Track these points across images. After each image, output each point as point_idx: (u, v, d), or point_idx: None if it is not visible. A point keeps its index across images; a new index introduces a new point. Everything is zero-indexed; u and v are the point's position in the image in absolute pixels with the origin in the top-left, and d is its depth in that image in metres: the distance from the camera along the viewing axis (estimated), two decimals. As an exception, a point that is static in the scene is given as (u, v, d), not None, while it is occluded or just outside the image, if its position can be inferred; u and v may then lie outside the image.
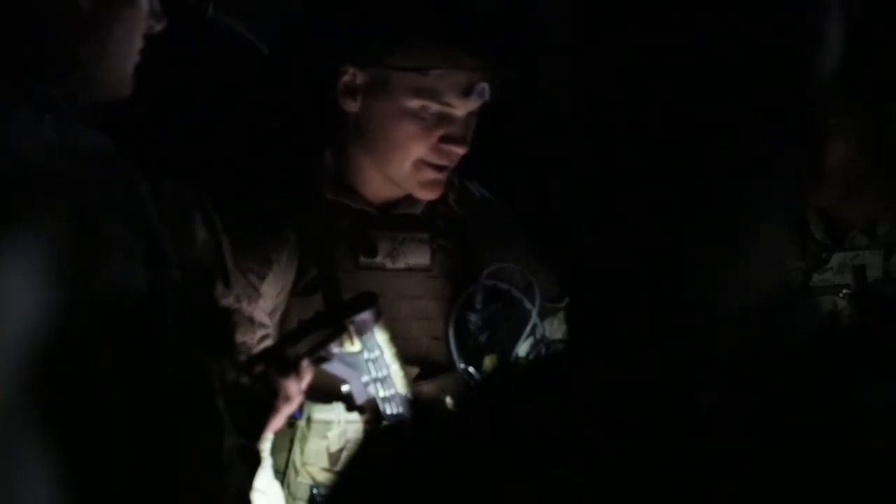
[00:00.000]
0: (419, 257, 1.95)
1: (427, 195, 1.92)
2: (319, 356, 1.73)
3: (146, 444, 1.10)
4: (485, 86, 1.84)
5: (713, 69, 0.69)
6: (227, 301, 1.52)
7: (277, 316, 1.89)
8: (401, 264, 1.93)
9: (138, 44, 1.31)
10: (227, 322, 1.51)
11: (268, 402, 1.65)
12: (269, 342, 1.84)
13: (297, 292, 1.89)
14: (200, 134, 1.96)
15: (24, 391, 1.03)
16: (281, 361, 1.69)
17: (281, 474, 1.88)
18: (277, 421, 1.71)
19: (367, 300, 1.77)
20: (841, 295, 2.00)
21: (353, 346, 1.77)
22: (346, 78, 1.87)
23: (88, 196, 1.10)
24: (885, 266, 1.99)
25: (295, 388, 1.70)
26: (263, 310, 1.84)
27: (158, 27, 1.33)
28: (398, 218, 1.95)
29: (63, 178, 1.10)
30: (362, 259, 1.92)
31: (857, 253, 2.03)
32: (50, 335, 1.04)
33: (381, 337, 1.77)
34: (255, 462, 1.45)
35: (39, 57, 1.22)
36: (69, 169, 1.10)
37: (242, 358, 1.75)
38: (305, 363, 1.70)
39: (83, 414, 1.07)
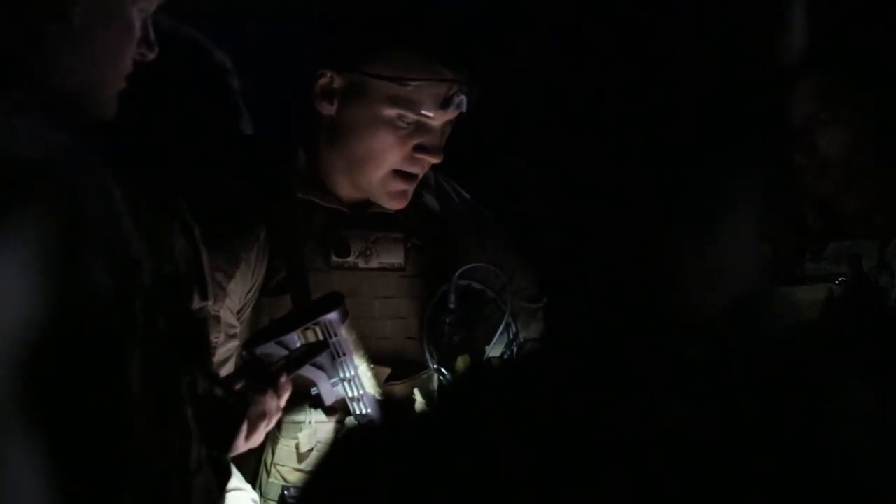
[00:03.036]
0: (393, 256, 1.94)
1: (393, 205, 1.92)
2: (290, 364, 1.72)
3: (113, 446, 1.09)
4: (462, 98, 1.83)
5: (680, 63, 0.68)
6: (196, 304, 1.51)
7: (247, 314, 1.88)
8: (374, 263, 1.93)
9: (127, 67, 1.29)
10: (202, 331, 1.50)
11: (239, 414, 1.63)
12: (235, 342, 1.83)
13: (268, 292, 1.88)
14: (170, 130, 1.94)
15: (13, 390, 1.02)
16: (260, 378, 1.68)
17: (252, 475, 1.87)
18: (256, 438, 1.70)
19: (334, 300, 1.77)
20: (836, 283, 2.01)
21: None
22: (323, 81, 1.86)
23: (66, 197, 1.09)
24: (880, 255, 2.00)
25: (273, 405, 1.69)
26: (230, 309, 1.83)
27: (150, 56, 1.32)
28: (372, 217, 1.95)
29: (42, 177, 1.08)
30: (335, 259, 1.91)
31: (852, 242, 2.03)
32: (39, 334, 1.03)
33: (348, 337, 1.76)
34: (223, 471, 1.43)
35: (17, 61, 1.20)
36: (45, 170, 1.09)
37: (216, 367, 1.74)
38: (284, 380, 1.69)
39: (67, 414, 1.07)
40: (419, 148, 1.86)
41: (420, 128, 1.85)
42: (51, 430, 1.04)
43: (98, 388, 1.07)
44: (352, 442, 0.79)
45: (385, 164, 1.86)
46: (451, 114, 1.85)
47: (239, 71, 2.15)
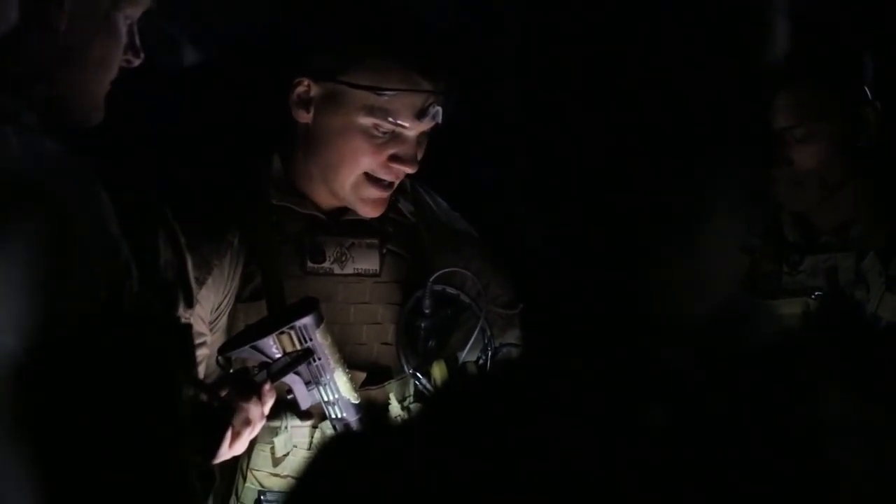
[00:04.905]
0: (368, 262, 1.94)
1: (368, 213, 1.92)
2: (275, 372, 1.72)
3: (104, 455, 1.09)
4: (438, 109, 1.84)
5: (661, 72, 0.69)
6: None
7: (224, 321, 1.87)
8: (349, 269, 1.93)
9: (112, 73, 1.29)
10: (187, 339, 1.50)
11: (224, 422, 1.63)
12: (205, 350, 1.82)
13: (244, 298, 1.88)
14: (147, 136, 1.93)
15: (6, 394, 1.02)
16: (245, 386, 1.68)
17: (229, 481, 1.86)
18: (240, 445, 1.70)
19: (309, 305, 1.77)
20: (813, 297, 2.03)
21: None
22: (300, 89, 1.87)
23: (56, 203, 1.09)
24: (856, 268, 2.01)
25: (258, 413, 1.69)
26: (201, 317, 1.82)
27: (136, 62, 1.32)
28: (347, 223, 1.95)
29: (32, 184, 1.08)
30: (310, 264, 1.91)
31: (829, 255, 2.05)
32: (32, 338, 1.03)
33: (323, 342, 1.76)
34: (208, 479, 1.43)
35: (3, 69, 1.20)
36: (35, 176, 1.09)
37: (201, 377, 1.73)
38: (268, 387, 1.69)
39: (57, 420, 1.07)
40: (394, 158, 1.86)
41: (395, 137, 1.86)
42: (42, 434, 1.04)
43: (88, 393, 1.06)
44: (332, 448, 0.79)
45: (357, 168, 1.87)
46: (426, 124, 1.86)
47: (214, 76, 2.14)
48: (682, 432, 0.68)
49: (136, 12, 1.30)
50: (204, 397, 1.54)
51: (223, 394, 1.67)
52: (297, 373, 1.77)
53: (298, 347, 1.75)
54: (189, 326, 1.46)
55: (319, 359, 1.77)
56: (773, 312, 0.79)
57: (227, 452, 1.68)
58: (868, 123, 2.00)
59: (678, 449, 0.68)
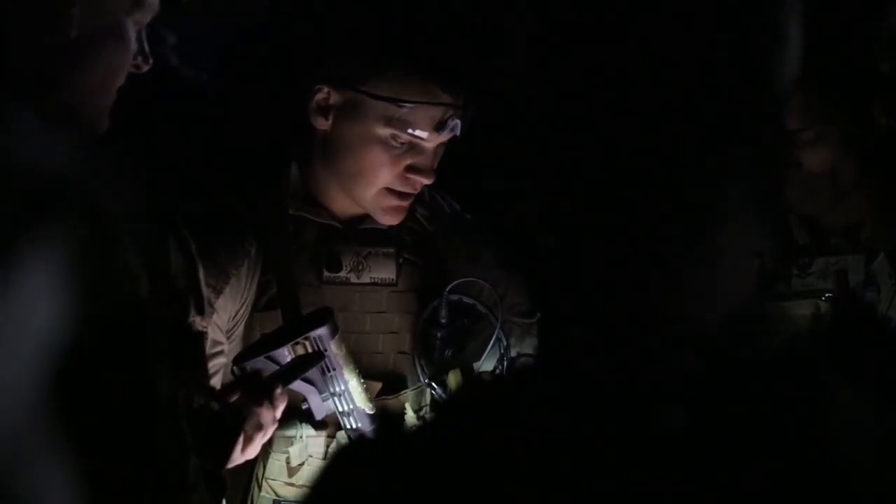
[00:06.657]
0: (385, 271, 1.94)
1: (388, 220, 1.92)
2: (286, 375, 1.72)
3: (117, 460, 1.09)
4: (457, 122, 1.84)
5: (677, 78, 0.69)
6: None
7: (240, 330, 1.87)
8: (366, 278, 1.93)
9: (121, 80, 1.29)
10: (199, 346, 1.49)
11: (234, 430, 1.63)
12: (222, 359, 1.82)
13: (260, 307, 1.88)
14: (163, 143, 1.94)
15: (42, 399, 1.02)
16: (255, 389, 1.68)
17: (244, 490, 1.86)
18: (252, 449, 1.70)
19: (324, 315, 1.76)
20: (823, 298, 2.02)
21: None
22: (319, 96, 1.87)
23: (73, 212, 1.09)
24: (866, 270, 2.01)
25: (269, 417, 1.68)
26: (218, 325, 1.82)
27: (145, 68, 1.32)
28: (364, 232, 1.95)
29: (52, 192, 1.08)
30: (326, 273, 1.91)
31: (839, 257, 2.04)
32: (65, 344, 1.03)
33: (338, 352, 1.76)
34: (219, 486, 1.43)
35: (13, 75, 1.20)
36: (55, 184, 1.09)
37: (218, 386, 1.73)
38: (279, 391, 1.69)
39: (65, 426, 1.07)
40: (411, 168, 1.86)
41: (413, 148, 1.85)
42: (53, 439, 1.04)
43: (94, 400, 1.06)
44: (346, 457, 0.79)
45: (377, 182, 1.87)
46: (444, 136, 1.86)
47: (231, 83, 2.14)
48: (695, 436, 0.68)
49: (145, 18, 1.30)
50: (215, 405, 1.53)
51: (234, 398, 1.67)
52: (311, 383, 1.77)
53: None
54: (201, 334, 1.45)
55: (334, 369, 1.76)
56: (786, 315, 0.78)
57: (239, 457, 1.68)
58: (877, 125, 1.99)
59: (692, 452, 0.68)
